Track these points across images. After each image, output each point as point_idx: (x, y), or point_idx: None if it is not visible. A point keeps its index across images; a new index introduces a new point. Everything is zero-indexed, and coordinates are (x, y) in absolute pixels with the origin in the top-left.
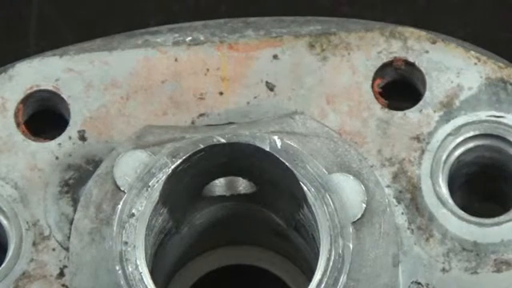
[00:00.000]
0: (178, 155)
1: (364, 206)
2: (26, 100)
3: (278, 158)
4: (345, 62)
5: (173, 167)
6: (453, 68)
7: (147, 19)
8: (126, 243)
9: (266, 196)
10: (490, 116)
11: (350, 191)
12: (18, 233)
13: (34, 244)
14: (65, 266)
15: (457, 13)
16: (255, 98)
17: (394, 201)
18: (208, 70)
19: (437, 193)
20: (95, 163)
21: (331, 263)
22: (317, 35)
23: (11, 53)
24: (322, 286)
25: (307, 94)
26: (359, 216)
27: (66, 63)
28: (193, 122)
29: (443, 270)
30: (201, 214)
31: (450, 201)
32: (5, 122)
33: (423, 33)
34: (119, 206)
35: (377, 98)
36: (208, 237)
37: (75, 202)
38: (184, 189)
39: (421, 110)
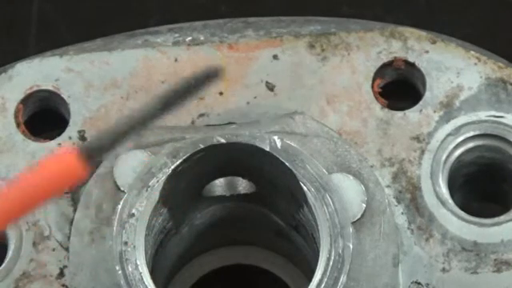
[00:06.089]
0: (178, 155)
1: (364, 206)
2: (25, 100)
3: (278, 158)
4: (345, 62)
5: (173, 167)
6: (453, 68)
7: (147, 19)
8: (125, 243)
9: (266, 196)
10: (490, 116)
11: (349, 191)
12: (17, 233)
13: (34, 244)
14: (65, 266)
15: (457, 13)
16: (255, 98)
17: (394, 201)
18: None
19: (437, 193)
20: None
21: (331, 263)
22: (317, 35)
23: (11, 53)
24: (322, 286)
25: (307, 94)
26: (359, 216)
27: (66, 63)
28: (193, 122)
29: (443, 269)
30: (201, 213)
31: (450, 201)
32: (5, 122)
33: (423, 33)
34: (119, 206)
35: (377, 98)
36: (208, 237)
37: (75, 202)
38: (184, 189)
39: (421, 110)
